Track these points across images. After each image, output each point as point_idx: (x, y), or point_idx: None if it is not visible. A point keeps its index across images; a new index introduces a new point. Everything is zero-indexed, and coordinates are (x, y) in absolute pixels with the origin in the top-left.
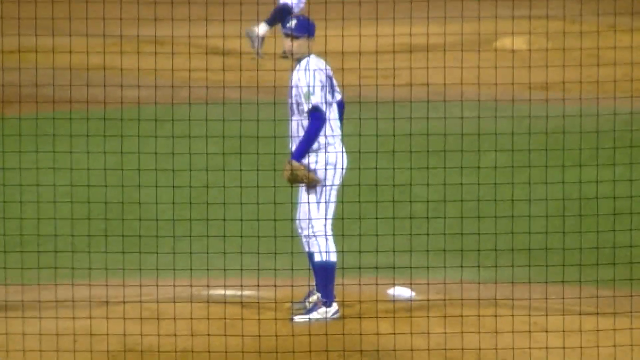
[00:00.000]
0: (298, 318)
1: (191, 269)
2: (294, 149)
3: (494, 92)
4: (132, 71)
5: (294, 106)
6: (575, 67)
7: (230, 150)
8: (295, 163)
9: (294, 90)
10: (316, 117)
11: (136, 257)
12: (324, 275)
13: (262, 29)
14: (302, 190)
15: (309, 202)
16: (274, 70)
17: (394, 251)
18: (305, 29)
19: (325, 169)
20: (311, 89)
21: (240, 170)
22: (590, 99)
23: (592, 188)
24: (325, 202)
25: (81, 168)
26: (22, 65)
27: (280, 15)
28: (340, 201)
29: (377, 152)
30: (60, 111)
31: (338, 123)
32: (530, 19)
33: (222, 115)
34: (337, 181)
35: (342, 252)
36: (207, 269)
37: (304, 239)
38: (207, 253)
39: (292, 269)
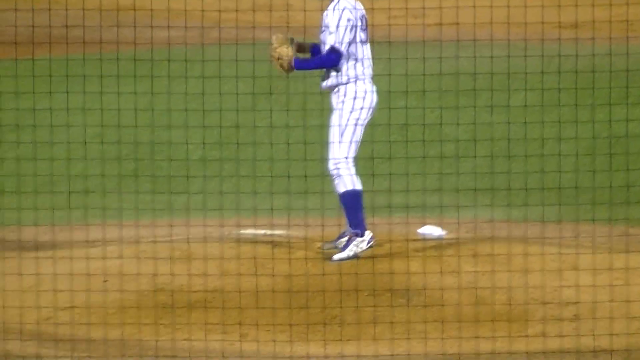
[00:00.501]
0: (336, 257)
1: (222, 209)
2: (325, 83)
3: (524, 32)
4: (162, 12)
5: (323, 46)
6: (605, 6)
7: (260, 91)
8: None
9: (324, 30)
10: (331, 55)
11: (167, 197)
12: (351, 203)
13: None
14: (332, 129)
15: (334, 141)
16: (304, 10)
17: (424, 190)
18: None
19: (353, 104)
20: (333, 28)
21: (271, 110)
22: (619, 38)
23: (622, 127)
24: (351, 141)
25: (112, 109)
26: (52, 6)
27: None
28: (370, 140)
29: (407, 92)
30: (91, 52)
31: (369, 62)
32: None
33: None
34: (366, 119)
35: (372, 191)
36: (238, 209)
37: (335, 178)
38: (238, 193)
39: (322, 209)
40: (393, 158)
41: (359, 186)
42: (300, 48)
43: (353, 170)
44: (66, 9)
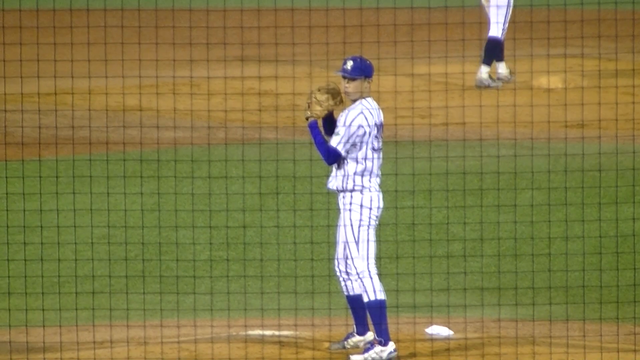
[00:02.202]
0: (355, 358)
1: (229, 309)
2: (331, 185)
3: (530, 131)
4: (169, 112)
5: None
6: (611, 105)
7: (267, 191)
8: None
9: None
10: (330, 154)
11: (174, 297)
12: (377, 314)
13: (484, 71)
14: (341, 230)
15: (347, 242)
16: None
17: (431, 290)
18: (361, 70)
19: (361, 210)
20: (340, 129)
21: (277, 210)
22: (626, 137)
23: (629, 225)
24: (366, 241)
25: (118, 209)
26: (58, 107)
27: (494, 50)
28: (378, 240)
29: (414, 191)
30: (97, 153)
31: (378, 172)
32: (566, 58)
33: (258, 155)
34: (374, 221)
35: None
36: (245, 309)
37: (341, 280)
38: (245, 293)
39: (329, 309)
40: (400, 257)
41: (383, 296)
42: (330, 117)
43: (375, 272)
44: (72, 110)
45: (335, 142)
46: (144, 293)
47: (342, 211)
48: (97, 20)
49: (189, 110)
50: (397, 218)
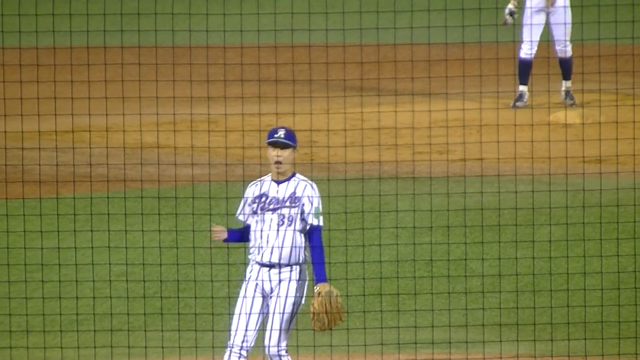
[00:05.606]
0: None
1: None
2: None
3: (548, 166)
4: (186, 149)
5: (285, 218)
6: (628, 141)
7: None
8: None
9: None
10: (320, 234)
11: (192, 334)
12: None
13: (522, 89)
14: (278, 305)
15: (281, 329)
16: (327, 146)
17: (449, 326)
18: (294, 138)
19: (304, 285)
20: (320, 207)
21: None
22: None
23: None
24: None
25: (136, 247)
26: (76, 144)
27: (522, 70)
28: (396, 276)
29: (432, 227)
30: (115, 190)
31: None
32: (583, 93)
33: None
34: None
35: (398, 327)
36: (263, 346)
37: (236, 350)
38: (263, 330)
39: (348, 345)
40: (419, 293)
41: None
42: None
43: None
44: (90, 147)
45: (320, 219)
46: (162, 330)
47: (279, 289)
48: (114, 58)
49: (207, 147)
50: (416, 254)
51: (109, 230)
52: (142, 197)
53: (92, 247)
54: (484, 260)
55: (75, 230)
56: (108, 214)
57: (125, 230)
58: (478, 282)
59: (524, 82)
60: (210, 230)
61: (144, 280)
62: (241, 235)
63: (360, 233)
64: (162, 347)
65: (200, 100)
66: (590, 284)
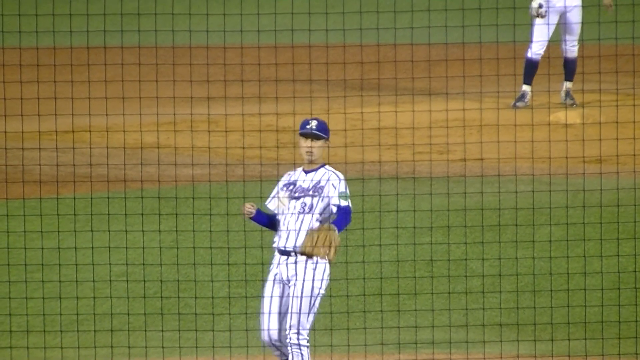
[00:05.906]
0: None
1: (247, 346)
2: (288, 244)
3: (548, 166)
4: (186, 149)
5: (306, 206)
6: (628, 141)
7: None
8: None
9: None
10: (348, 212)
11: (192, 334)
12: None
13: (525, 88)
14: (292, 299)
15: (300, 313)
16: (328, 146)
17: (450, 326)
18: (326, 130)
19: (322, 279)
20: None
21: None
22: None
23: None
24: (315, 313)
25: (136, 247)
26: (76, 145)
27: (527, 70)
28: (396, 276)
29: (432, 228)
30: (115, 190)
31: None
32: (583, 93)
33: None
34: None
35: (398, 327)
36: (264, 346)
37: (274, 349)
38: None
39: (348, 345)
40: (419, 294)
41: None
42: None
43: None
44: (90, 147)
45: (349, 202)
46: (162, 331)
47: (301, 280)
48: (114, 58)
49: (207, 147)
50: (416, 254)
51: (109, 231)
52: (142, 197)
53: (92, 247)
54: (484, 260)
55: (75, 231)
56: (108, 214)
57: (126, 231)
58: (478, 282)
59: (528, 82)
60: (243, 205)
61: (144, 280)
62: (269, 220)
63: (360, 233)
64: (163, 347)
65: (200, 100)
66: (591, 284)
